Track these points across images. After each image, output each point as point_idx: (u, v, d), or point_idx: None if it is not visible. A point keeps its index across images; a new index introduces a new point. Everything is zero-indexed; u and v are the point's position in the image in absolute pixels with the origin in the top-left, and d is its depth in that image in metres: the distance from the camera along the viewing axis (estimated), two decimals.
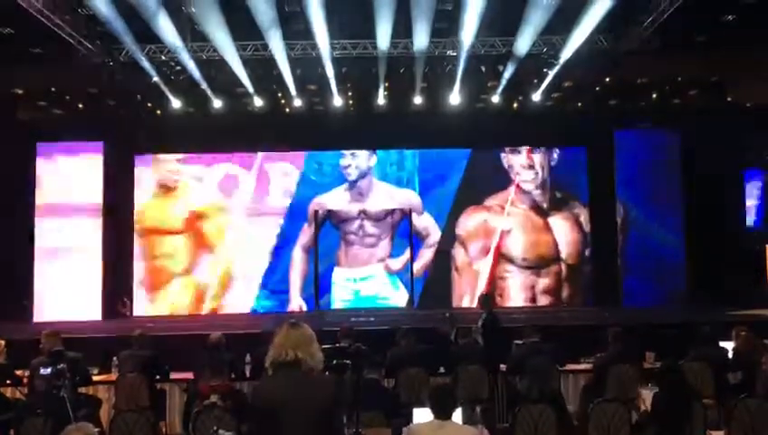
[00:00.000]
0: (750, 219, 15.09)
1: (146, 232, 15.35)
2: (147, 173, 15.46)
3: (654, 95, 14.38)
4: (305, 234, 15.54)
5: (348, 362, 4.19)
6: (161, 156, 15.54)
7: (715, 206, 14.46)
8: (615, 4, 10.01)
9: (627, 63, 12.97)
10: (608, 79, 13.69)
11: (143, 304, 15.12)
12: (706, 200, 14.44)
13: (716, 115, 14.22)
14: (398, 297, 15.46)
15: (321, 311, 14.85)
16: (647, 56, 12.77)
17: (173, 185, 15.51)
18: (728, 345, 7.41)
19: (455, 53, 12.58)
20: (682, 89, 14.22)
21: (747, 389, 6.13)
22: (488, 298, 9.71)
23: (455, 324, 8.99)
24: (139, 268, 15.23)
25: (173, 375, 7.77)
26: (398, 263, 15.53)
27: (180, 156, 15.52)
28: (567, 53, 11.90)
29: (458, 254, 15.58)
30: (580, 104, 14.65)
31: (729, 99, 14.35)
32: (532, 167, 15.74)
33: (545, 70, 13.10)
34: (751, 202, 15.13)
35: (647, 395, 5.98)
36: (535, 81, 13.69)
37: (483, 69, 13.31)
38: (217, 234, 15.46)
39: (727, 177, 14.88)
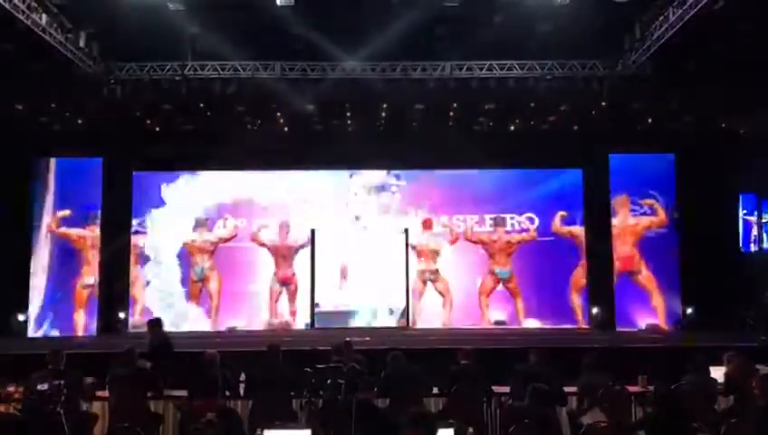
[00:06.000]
0: (744, 243, 15.14)
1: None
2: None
3: (649, 120, 14.46)
4: None
5: (342, 381, 4.23)
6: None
7: (710, 230, 14.52)
8: (612, 30, 10.16)
9: (622, 89, 13.11)
10: (603, 103, 13.77)
11: None
12: (701, 224, 14.53)
13: (710, 141, 14.35)
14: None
15: (316, 329, 14.83)
16: (642, 82, 12.90)
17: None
18: (720, 370, 7.43)
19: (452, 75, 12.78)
20: (676, 115, 14.30)
21: (738, 414, 6.15)
22: (156, 322, 8.80)
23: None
24: None
25: (168, 392, 7.73)
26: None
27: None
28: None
29: (452, 275, 15.65)
30: (576, 127, 14.76)
31: (723, 125, 14.48)
32: (529, 188, 15.82)
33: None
34: (745, 226, 15.19)
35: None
36: (532, 104, 13.82)
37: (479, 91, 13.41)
38: None
39: (721, 201, 14.97)
